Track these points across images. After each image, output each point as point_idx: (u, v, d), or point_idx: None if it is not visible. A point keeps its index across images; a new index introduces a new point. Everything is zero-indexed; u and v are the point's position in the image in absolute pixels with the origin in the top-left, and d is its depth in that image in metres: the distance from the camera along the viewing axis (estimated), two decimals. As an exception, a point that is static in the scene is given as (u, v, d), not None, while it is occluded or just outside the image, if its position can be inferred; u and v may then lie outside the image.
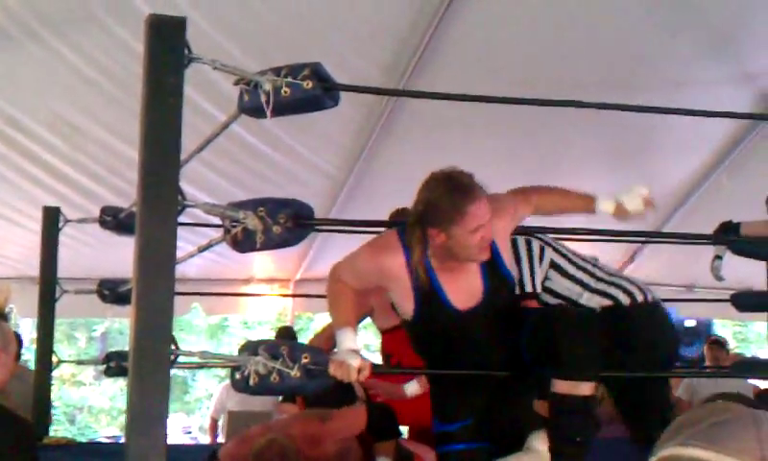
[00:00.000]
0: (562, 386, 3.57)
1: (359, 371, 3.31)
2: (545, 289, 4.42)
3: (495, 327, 3.67)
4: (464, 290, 3.62)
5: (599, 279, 4.50)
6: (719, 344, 9.22)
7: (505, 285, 3.70)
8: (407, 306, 3.63)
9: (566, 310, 4.02)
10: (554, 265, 4.46)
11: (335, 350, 3.46)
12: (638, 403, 4.57)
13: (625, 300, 4.42)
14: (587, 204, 3.95)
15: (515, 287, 3.86)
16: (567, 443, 3.62)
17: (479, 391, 3.79)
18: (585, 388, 3.57)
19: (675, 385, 8.51)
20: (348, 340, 3.44)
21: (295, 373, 3.01)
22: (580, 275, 4.45)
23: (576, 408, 3.57)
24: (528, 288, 4.41)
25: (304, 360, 3.05)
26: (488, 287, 3.63)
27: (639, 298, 4.44)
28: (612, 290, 4.45)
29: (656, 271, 10.38)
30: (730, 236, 4.47)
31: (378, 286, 3.78)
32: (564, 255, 4.50)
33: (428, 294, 3.58)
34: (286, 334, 8.67)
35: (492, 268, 3.62)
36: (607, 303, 4.41)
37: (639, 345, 4.37)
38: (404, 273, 3.56)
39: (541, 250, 4.47)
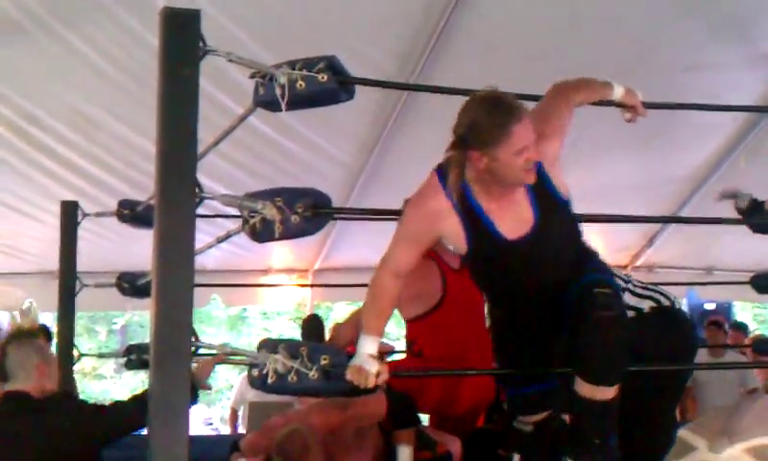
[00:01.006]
0: (585, 388, 3.54)
1: (377, 375, 3.30)
2: None
3: (552, 253, 3.52)
4: (512, 219, 3.43)
5: (634, 287, 4.53)
6: (717, 325, 9.20)
7: (557, 209, 3.51)
8: (461, 243, 3.48)
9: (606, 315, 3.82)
10: None
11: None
12: (644, 418, 4.57)
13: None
14: (606, 90, 3.81)
15: (570, 209, 3.59)
16: (586, 444, 3.60)
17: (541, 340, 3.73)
18: (608, 392, 3.55)
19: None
20: (369, 346, 3.38)
21: (313, 374, 3.01)
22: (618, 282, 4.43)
23: (597, 411, 3.54)
24: None
25: (323, 362, 3.05)
26: (538, 213, 3.45)
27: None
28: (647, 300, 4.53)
29: (675, 254, 10.37)
30: (755, 215, 4.43)
31: (436, 239, 3.57)
32: None
33: (476, 226, 3.42)
34: (313, 323, 8.66)
35: (541, 192, 3.45)
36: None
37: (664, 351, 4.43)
38: (449, 209, 3.42)
39: None
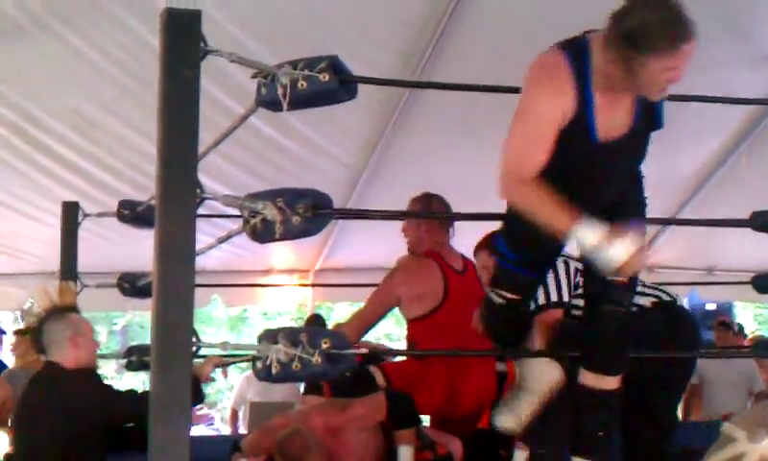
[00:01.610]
0: (589, 378, 3.55)
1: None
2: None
3: (623, 167, 3.45)
4: (611, 120, 3.28)
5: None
6: (726, 325, 9.22)
7: (648, 130, 3.42)
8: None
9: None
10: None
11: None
12: (645, 414, 4.60)
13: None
14: None
15: (656, 129, 3.47)
16: (590, 437, 3.61)
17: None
18: (611, 382, 3.57)
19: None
20: (593, 226, 3.13)
21: (316, 359, 3.00)
22: None
23: (602, 402, 3.56)
24: (554, 298, 4.46)
25: (324, 345, 3.04)
26: (635, 126, 3.33)
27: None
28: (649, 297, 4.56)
29: (676, 255, 10.36)
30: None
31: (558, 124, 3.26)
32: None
33: (579, 117, 3.23)
34: (315, 323, 8.68)
35: (651, 110, 3.36)
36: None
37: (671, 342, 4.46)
38: (573, 95, 3.21)
39: (575, 271, 4.49)
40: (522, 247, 3.64)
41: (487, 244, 4.53)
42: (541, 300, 4.47)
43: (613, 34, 3.11)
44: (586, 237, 3.13)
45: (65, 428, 4.33)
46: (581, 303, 3.96)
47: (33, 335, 4.73)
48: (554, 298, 4.48)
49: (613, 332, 3.50)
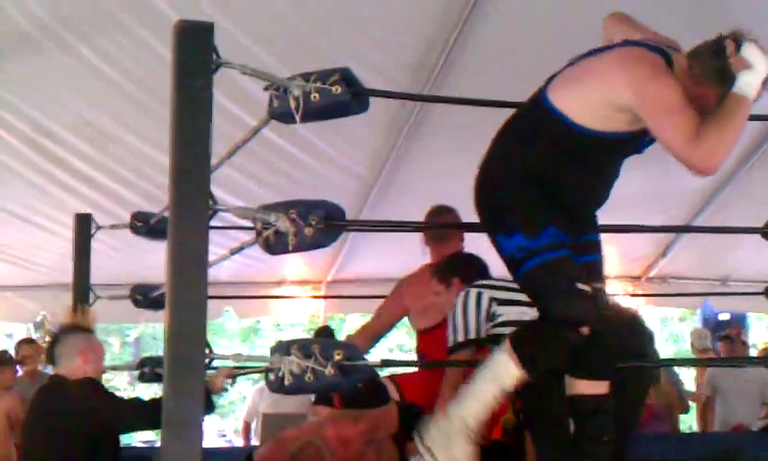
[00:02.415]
0: (581, 386, 3.55)
1: None
2: (501, 324, 4.29)
3: (617, 172, 3.51)
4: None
5: None
6: (729, 339, 9.22)
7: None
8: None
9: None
10: (499, 301, 4.36)
11: None
12: None
13: None
14: None
15: None
16: (595, 443, 3.60)
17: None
18: (602, 386, 3.57)
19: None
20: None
21: (329, 370, 3.00)
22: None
23: (598, 407, 3.55)
24: (472, 335, 4.36)
25: (337, 357, 3.03)
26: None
27: None
28: None
29: (689, 265, 10.34)
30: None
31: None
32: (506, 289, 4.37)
33: None
34: (324, 334, 8.69)
35: None
36: None
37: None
38: None
39: (489, 302, 4.36)
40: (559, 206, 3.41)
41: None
42: (450, 339, 4.37)
43: (711, 72, 3.20)
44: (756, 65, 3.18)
45: (72, 435, 4.38)
46: (505, 330, 3.90)
47: (48, 345, 4.80)
48: (460, 337, 4.35)
49: (610, 337, 3.50)
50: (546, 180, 3.35)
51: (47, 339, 4.93)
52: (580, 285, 3.30)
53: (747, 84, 3.17)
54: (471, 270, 4.77)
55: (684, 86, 3.17)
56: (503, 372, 3.43)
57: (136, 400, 4.67)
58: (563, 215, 3.39)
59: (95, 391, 4.59)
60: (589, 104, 3.29)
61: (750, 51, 3.17)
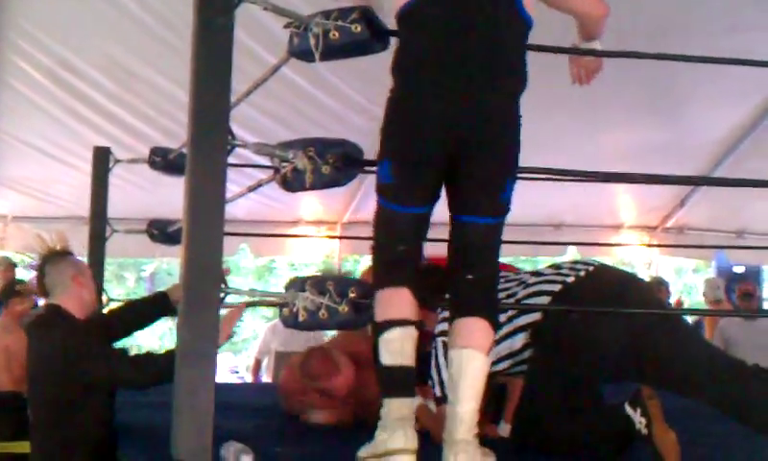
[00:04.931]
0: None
1: None
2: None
3: None
4: None
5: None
6: (749, 295, 9.16)
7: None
8: None
9: None
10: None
11: None
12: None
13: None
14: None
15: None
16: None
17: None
18: None
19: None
20: None
21: (342, 308, 3.01)
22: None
23: None
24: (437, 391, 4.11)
25: (351, 295, 3.05)
26: None
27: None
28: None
29: (706, 217, 10.32)
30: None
31: None
32: None
33: None
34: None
35: None
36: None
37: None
38: None
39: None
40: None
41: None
42: (437, 390, 4.09)
43: None
44: None
45: (58, 379, 4.17)
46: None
47: (36, 279, 4.56)
48: (438, 392, 4.09)
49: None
50: None
51: (34, 273, 4.68)
52: None
53: None
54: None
55: None
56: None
57: (130, 357, 4.31)
58: None
59: (85, 341, 4.27)
60: None
61: None
